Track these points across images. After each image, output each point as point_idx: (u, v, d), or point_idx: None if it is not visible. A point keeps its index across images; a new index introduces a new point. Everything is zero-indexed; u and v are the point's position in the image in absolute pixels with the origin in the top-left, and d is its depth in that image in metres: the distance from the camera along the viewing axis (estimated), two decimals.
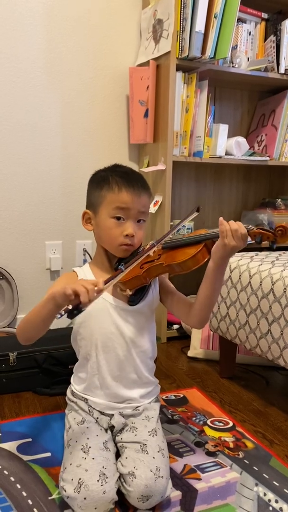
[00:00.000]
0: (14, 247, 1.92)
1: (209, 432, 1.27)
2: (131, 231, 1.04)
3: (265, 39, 2.03)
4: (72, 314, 0.84)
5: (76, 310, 0.84)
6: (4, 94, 1.80)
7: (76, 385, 1.14)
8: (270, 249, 1.00)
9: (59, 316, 0.84)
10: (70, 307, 0.84)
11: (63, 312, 0.84)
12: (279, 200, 2.21)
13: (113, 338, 1.07)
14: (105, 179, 1.07)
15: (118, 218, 1.04)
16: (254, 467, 1.12)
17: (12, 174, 1.87)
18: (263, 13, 2.01)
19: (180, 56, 1.77)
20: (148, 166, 1.97)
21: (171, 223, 1.91)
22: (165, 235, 1.04)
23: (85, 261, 2.04)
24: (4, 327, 1.87)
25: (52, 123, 1.91)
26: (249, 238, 0.98)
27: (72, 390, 1.15)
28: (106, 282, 0.90)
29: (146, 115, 1.91)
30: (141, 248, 1.09)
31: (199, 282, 1.05)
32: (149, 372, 1.14)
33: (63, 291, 0.86)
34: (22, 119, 1.85)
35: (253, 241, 0.98)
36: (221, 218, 0.98)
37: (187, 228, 1.96)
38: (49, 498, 0.98)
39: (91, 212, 1.10)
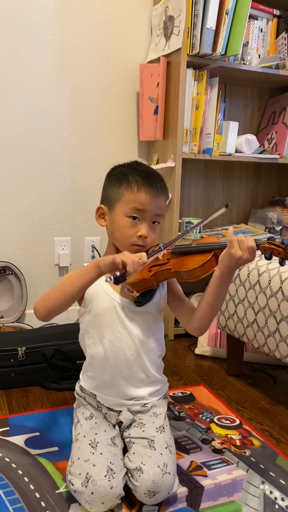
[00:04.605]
0: (23, 242, 1.93)
1: (215, 429, 1.27)
2: (145, 232, 1.04)
3: (277, 36, 2.02)
4: (118, 281, 0.88)
5: (122, 278, 0.88)
6: (15, 90, 1.81)
7: (84, 383, 1.15)
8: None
9: (108, 280, 0.88)
10: (117, 273, 0.88)
11: (112, 277, 0.88)
12: None
13: (120, 337, 1.07)
14: (125, 176, 1.05)
15: (134, 218, 1.04)
16: (261, 465, 1.12)
17: (22, 169, 1.88)
18: (275, 10, 1.99)
19: (190, 53, 1.76)
20: (157, 163, 1.97)
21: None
22: (195, 225, 1.09)
23: (93, 257, 2.04)
24: (13, 322, 1.88)
25: (62, 119, 1.91)
26: (258, 252, 0.96)
27: (81, 385, 1.16)
28: (148, 256, 0.94)
29: (156, 112, 1.91)
30: (151, 249, 1.08)
31: (204, 280, 1.04)
32: (157, 370, 1.14)
33: (112, 259, 0.90)
34: (32, 114, 1.85)
35: (263, 255, 0.95)
36: (230, 228, 0.98)
37: None
38: (56, 491, 0.99)
39: (106, 207, 1.09)
